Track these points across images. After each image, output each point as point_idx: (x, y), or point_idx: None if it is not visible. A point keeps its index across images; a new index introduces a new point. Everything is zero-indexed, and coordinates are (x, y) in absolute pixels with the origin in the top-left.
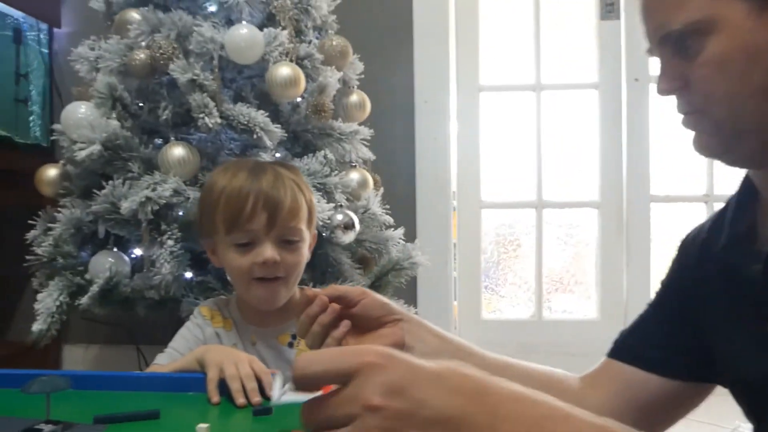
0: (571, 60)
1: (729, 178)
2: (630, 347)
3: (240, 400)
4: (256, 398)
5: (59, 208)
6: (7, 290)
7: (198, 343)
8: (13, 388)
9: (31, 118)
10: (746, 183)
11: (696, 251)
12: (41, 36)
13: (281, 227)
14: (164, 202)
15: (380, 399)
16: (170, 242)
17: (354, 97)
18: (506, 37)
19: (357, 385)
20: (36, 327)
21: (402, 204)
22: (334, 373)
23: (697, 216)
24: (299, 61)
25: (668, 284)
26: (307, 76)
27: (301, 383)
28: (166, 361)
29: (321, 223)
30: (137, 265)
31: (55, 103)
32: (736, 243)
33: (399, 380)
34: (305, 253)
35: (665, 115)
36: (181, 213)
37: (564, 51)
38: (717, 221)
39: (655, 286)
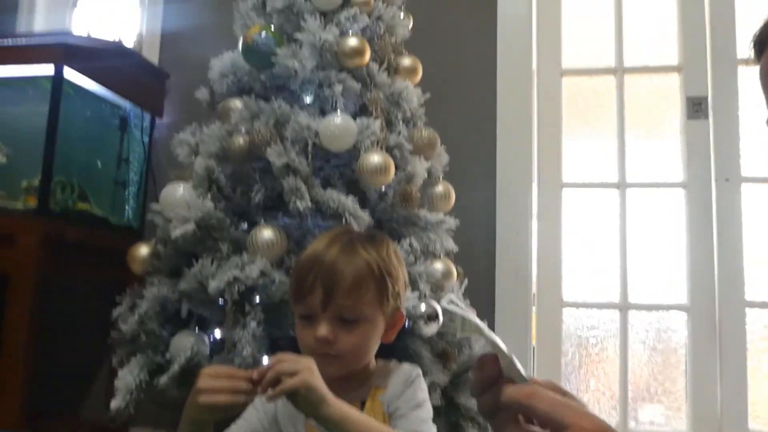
0: (656, 158)
1: None
2: None
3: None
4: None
5: (146, 286)
6: (84, 369)
7: (268, 414)
8: None
9: (126, 201)
10: None
11: None
12: (144, 124)
13: (337, 305)
14: (251, 282)
15: None
16: (253, 324)
17: (440, 188)
18: (590, 134)
19: None
20: (114, 404)
21: (480, 298)
22: (551, 419)
23: None
24: (388, 150)
25: None
26: (396, 165)
27: (520, 408)
28: None
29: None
30: (215, 348)
31: (149, 187)
32: None
33: None
34: (369, 334)
35: (759, 216)
36: (264, 296)
37: (649, 148)
38: None
39: (753, 399)
